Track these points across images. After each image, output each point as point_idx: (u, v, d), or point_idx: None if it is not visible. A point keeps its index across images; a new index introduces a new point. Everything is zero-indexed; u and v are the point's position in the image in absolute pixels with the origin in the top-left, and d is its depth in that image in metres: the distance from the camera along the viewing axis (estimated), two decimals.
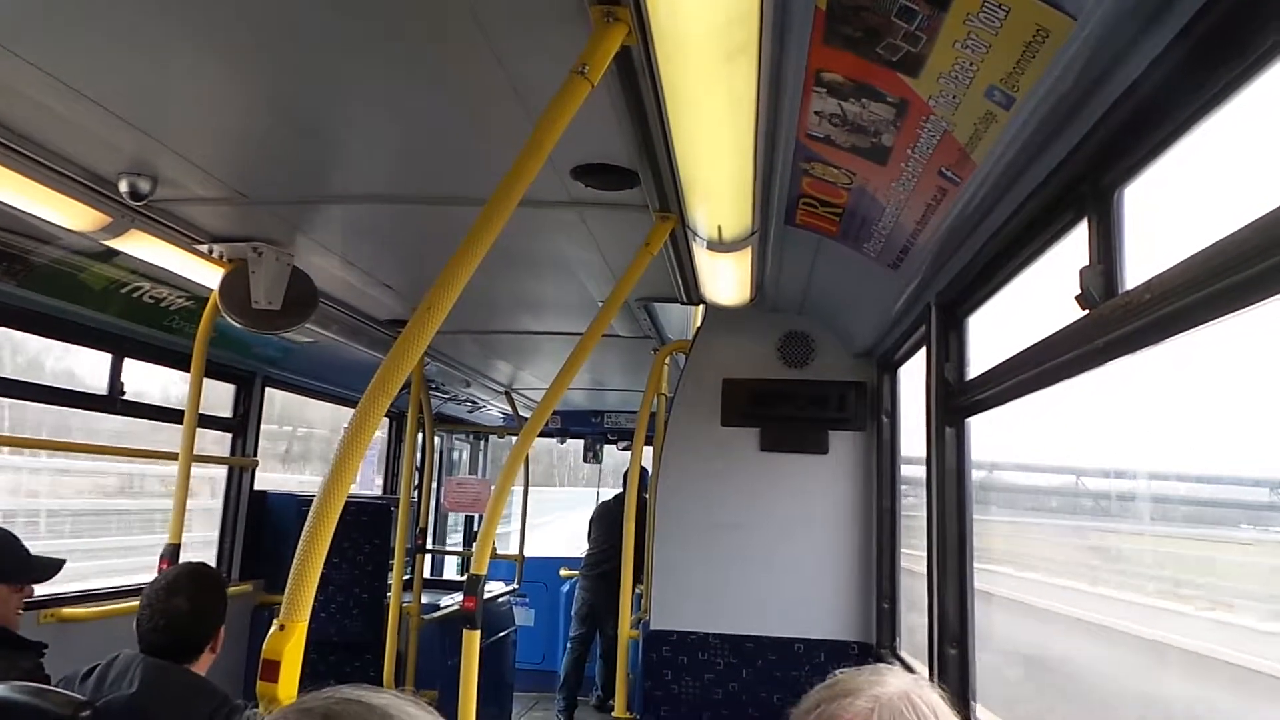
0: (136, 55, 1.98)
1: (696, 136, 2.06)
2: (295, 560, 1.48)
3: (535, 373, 6.46)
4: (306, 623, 1.48)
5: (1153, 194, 1.55)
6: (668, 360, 4.47)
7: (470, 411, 7.74)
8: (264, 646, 1.47)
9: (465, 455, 8.91)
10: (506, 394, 7.05)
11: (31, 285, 3.20)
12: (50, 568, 2.62)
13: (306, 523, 1.49)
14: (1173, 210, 1.67)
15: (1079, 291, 1.64)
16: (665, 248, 2.91)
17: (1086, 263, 1.63)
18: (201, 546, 4.85)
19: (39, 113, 2.23)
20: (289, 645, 1.46)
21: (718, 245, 2.74)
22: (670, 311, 4.43)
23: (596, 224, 3.00)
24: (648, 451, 5.13)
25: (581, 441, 8.41)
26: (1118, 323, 1.52)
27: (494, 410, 7.96)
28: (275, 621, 1.49)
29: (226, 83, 2.14)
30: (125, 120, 2.28)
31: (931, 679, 2.57)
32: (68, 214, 2.72)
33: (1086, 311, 1.64)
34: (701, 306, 3.98)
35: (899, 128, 1.86)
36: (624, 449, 8.21)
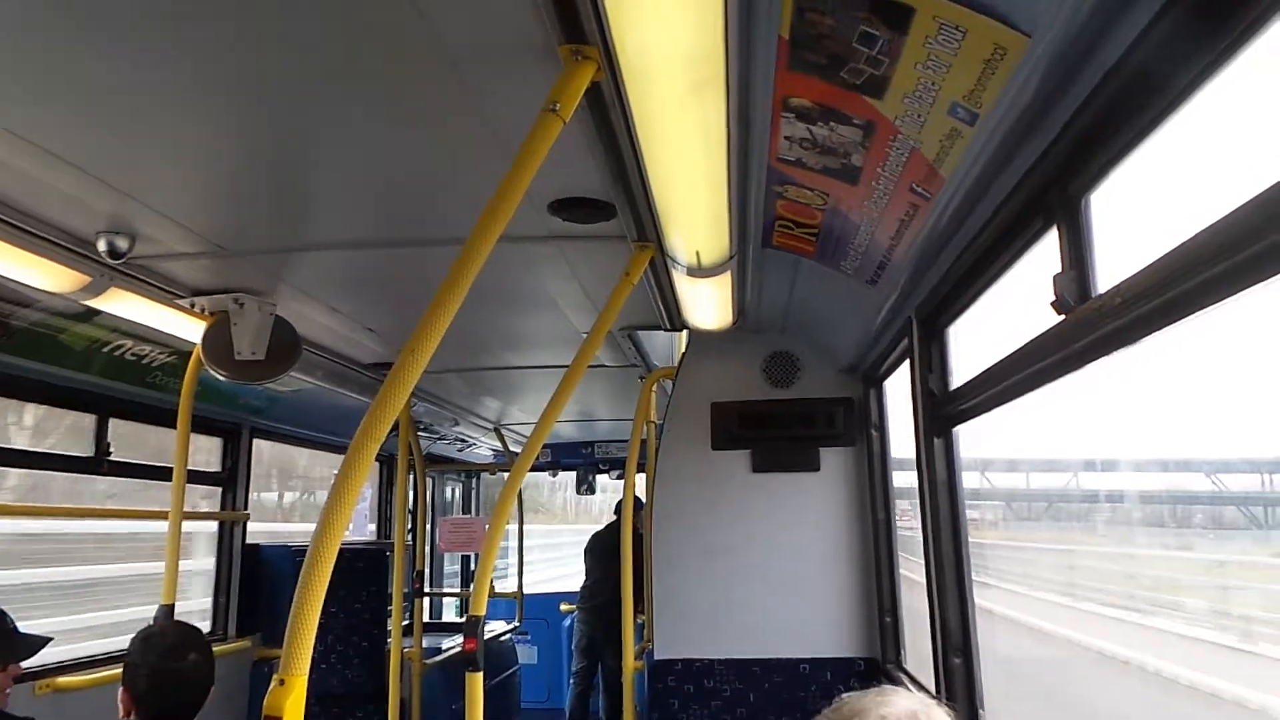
0: (107, 114, 1.98)
1: (670, 166, 2.08)
2: (292, 613, 1.45)
3: (523, 407, 6.45)
4: (306, 676, 1.47)
5: (1119, 199, 1.58)
6: (655, 387, 4.48)
7: (460, 450, 7.70)
8: (265, 703, 1.44)
9: (458, 494, 8.86)
10: (496, 430, 7.02)
11: (11, 350, 3.18)
12: (35, 645, 2.54)
13: (301, 574, 1.48)
14: (1140, 214, 1.70)
15: (1054, 298, 1.67)
16: (645, 276, 2.93)
17: (1059, 269, 1.66)
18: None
19: (12, 175, 2.23)
20: (290, 700, 1.44)
21: (697, 271, 2.77)
22: (655, 339, 4.44)
23: (576, 257, 3.02)
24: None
25: (573, 474, 8.39)
26: (1093, 326, 1.55)
27: (484, 447, 7.93)
28: (275, 677, 1.46)
29: (200, 137, 2.14)
30: (100, 179, 2.29)
31: (938, 690, 2.56)
32: (46, 275, 2.71)
33: (1063, 317, 1.67)
34: (685, 332, 4.00)
35: (868, 148, 1.89)
36: (617, 478, 8.19)
